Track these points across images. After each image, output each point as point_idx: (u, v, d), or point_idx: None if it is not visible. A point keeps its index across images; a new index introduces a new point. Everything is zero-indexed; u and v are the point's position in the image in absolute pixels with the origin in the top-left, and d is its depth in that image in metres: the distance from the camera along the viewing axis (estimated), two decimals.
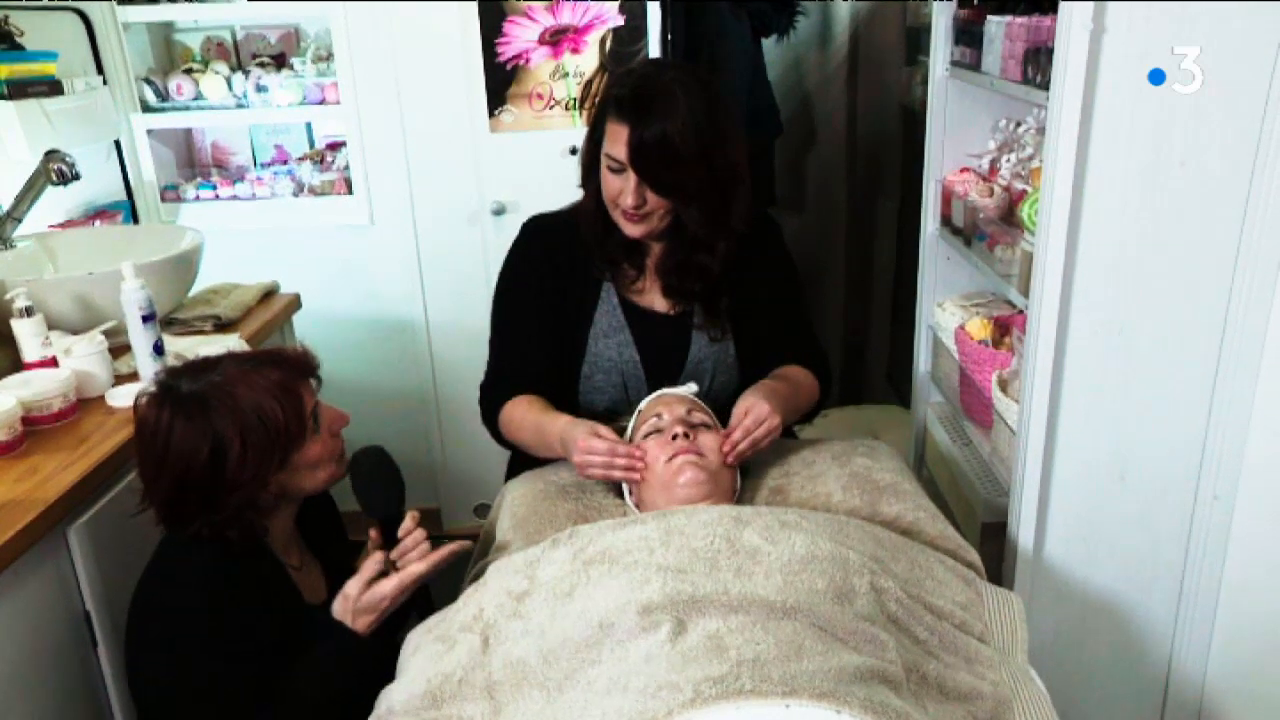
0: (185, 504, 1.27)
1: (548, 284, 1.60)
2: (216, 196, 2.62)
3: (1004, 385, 1.74)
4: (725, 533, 1.22)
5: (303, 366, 1.37)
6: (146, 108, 2.54)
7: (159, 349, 1.68)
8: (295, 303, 2.23)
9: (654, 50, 2.47)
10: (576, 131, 2.49)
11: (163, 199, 2.60)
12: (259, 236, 2.60)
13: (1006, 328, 1.88)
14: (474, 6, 2.42)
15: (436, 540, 1.46)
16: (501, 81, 2.48)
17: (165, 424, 1.25)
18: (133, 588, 1.32)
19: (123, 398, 1.61)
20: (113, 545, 1.44)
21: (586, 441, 1.39)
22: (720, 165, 1.46)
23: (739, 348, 1.61)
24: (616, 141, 1.43)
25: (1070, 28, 1.36)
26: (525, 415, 1.53)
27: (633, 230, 1.51)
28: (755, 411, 1.42)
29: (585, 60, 2.48)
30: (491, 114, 2.51)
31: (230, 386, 1.27)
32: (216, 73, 2.56)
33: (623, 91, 1.44)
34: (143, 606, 1.30)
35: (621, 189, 1.46)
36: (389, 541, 1.44)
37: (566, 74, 2.49)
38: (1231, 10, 1.35)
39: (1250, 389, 1.52)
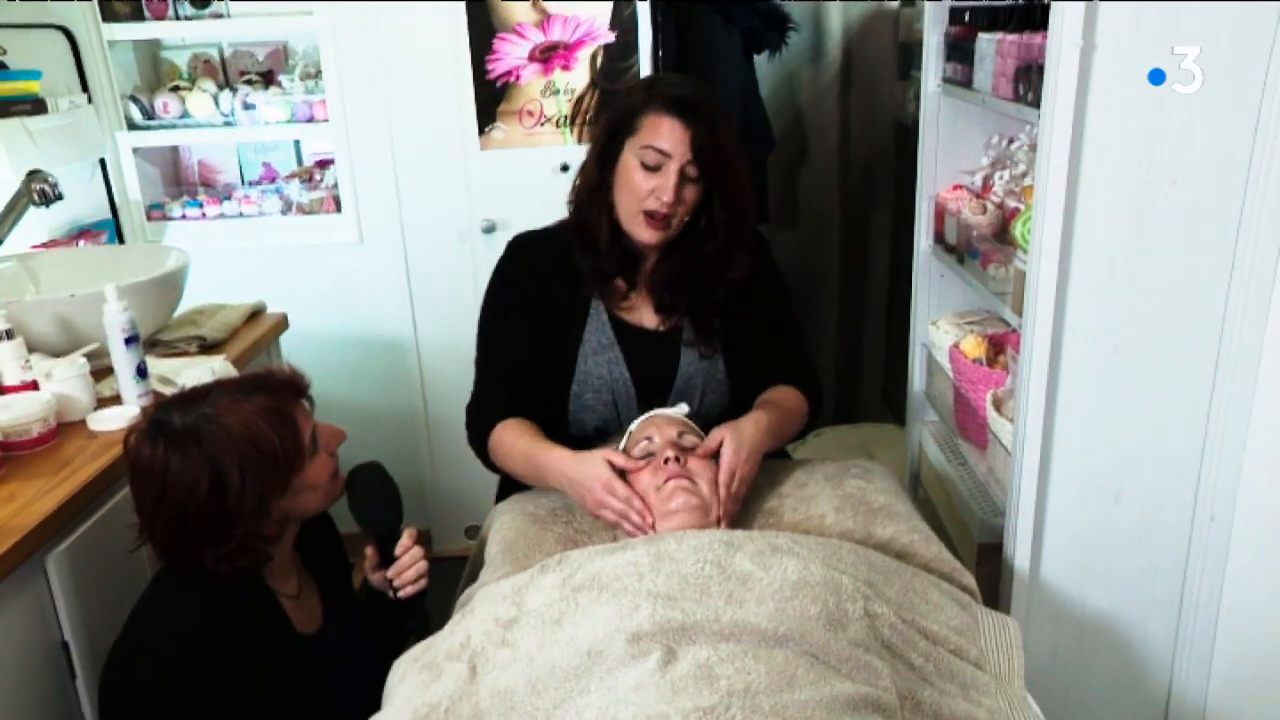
0: (187, 539, 1.24)
1: (535, 302, 1.59)
2: (203, 215, 2.60)
3: (999, 404, 1.73)
4: (716, 558, 1.20)
5: (293, 388, 1.35)
6: (132, 125, 2.52)
7: (142, 372, 1.66)
8: (283, 323, 2.21)
9: (645, 66, 2.46)
10: (567, 149, 2.48)
11: (149, 218, 2.58)
12: (247, 255, 2.58)
13: (1001, 346, 1.86)
14: (464, 23, 2.41)
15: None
16: (492, 98, 2.47)
17: (161, 460, 1.22)
18: (112, 618, 1.29)
19: (105, 422, 1.59)
20: (92, 574, 1.41)
21: (610, 483, 1.38)
22: (741, 167, 1.51)
23: (729, 365, 1.60)
24: (661, 135, 1.44)
25: (1061, 45, 1.35)
26: (515, 443, 1.51)
27: (652, 235, 1.50)
28: (726, 465, 1.40)
29: (576, 77, 2.47)
30: (482, 131, 2.50)
31: (222, 417, 1.24)
32: (204, 90, 2.55)
33: (669, 91, 1.47)
34: (129, 643, 1.27)
35: (656, 186, 1.46)
36: (385, 560, 1.42)
37: (557, 91, 2.48)
38: (1220, 25, 1.34)
39: (1246, 407, 1.50)
